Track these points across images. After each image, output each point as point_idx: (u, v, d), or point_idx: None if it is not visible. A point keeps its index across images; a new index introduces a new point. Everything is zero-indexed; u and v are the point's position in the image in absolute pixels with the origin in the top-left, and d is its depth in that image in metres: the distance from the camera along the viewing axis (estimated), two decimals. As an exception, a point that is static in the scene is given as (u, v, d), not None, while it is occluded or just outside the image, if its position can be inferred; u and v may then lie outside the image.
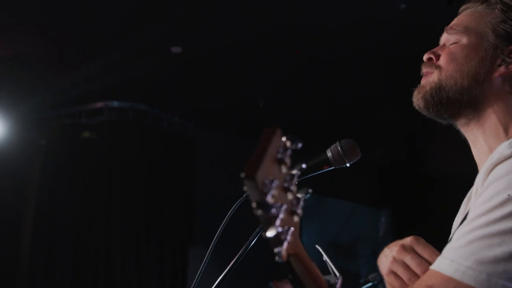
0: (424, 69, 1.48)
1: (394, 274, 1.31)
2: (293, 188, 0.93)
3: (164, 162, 6.20)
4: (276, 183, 0.85)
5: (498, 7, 1.41)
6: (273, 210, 0.83)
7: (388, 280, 1.32)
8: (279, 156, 0.88)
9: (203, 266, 1.66)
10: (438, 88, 1.41)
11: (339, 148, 1.64)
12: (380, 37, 5.33)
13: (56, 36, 5.37)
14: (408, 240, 1.32)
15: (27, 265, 5.75)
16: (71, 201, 5.78)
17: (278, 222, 0.86)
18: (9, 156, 5.76)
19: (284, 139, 0.92)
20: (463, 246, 1.06)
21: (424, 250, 1.28)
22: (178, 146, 6.38)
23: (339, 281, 1.08)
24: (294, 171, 0.94)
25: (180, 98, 6.35)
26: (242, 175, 0.81)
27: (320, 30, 5.20)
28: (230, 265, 1.61)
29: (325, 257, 1.30)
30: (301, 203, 0.96)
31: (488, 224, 1.05)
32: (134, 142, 6.10)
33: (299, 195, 0.98)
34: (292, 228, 0.92)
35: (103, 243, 5.71)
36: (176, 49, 5.37)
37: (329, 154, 1.65)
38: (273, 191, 0.84)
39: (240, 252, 1.60)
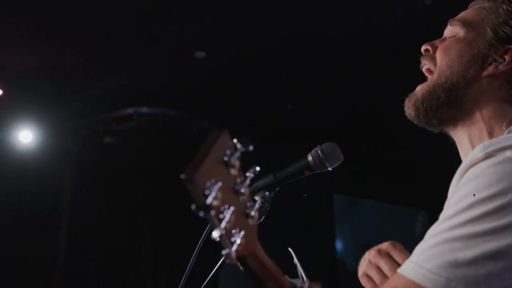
0: (422, 61, 1.45)
1: (367, 276, 1.32)
2: (245, 190, 0.92)
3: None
4: (219, 185, 0.84)
5: (503, 7, 1.37)
6: (213, 212, 0.83)
7: (361, 282, 1.34)
8: (226, 158, 0.88)
9: (189, 268, 1.65)
10: (430, 92, 1.37)
11: (319, 152, 1.58)
12: (407, 34, 5.25)
13: (83, 45, 5.49)
14: (385, 245, 1.33)
15: (63, 268, 5.91)
16: (103, 206, 5.91)
17: (223, 224, 0.86)
18: (43, 163, 5.93)
19: (234, 141, 0.91)
20: (427, 249, 1.04)
21: (399, 255, 1.29)
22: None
23: (306, 285, 1.08)
24: (248, 174, 0.94)
25: (210, 103, 6.41)
26: (182, 176, 0.82)
27: (344, 30, 5.15)
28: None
29: (295, 260, 1.29)
30: (257, 206, 0.96)
31: (453, 227, 1.02)
32: (164, 148, 6.19)
33: (256, 198, 0.98)
34: (243, 231, 0.91)
35: (135, 247, 5.81)
36: (200, 54, 5.41)
37: (309, 158, 1.59)
38: (216, 194, 0.84)
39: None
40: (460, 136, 1.39)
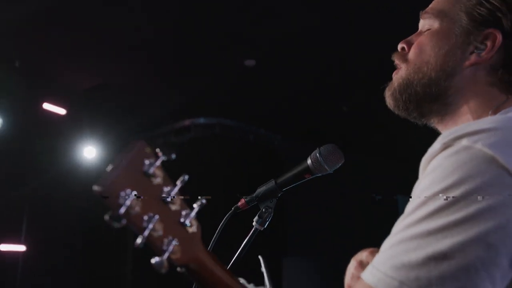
0: (395, 60, 1.36)
1: None
2: (176, 199, 0.94)
3: (253, 174, 6.30)
4: (135, 193, 0.86)
5: None
6: (124, 221, 0.85)
7: None
8: (145, 168, 0.90)
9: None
10: (406, 84, 1.29)
11: (317, 154, 1.54)
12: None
13: (141, 62, 5.69)
14: (364, 255, 1.28)
15: (130, 283, 6.12)
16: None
17: (146, 232, 0.88)
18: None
19: (155, 150, 0.93)
20: (385, 250, 0.98)
21: None
22: (266, 158, 6.46)
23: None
24: (178, 182, 0.96)
25: (265, 110, 6.45)
26: (94, 188, 0.84)
27: (399, 32, 5.02)
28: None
29: (263, 268, 1.29)
30: (193, 214, 0.97)
31: (409, 226, 0.95)
32: (222, 157, 6.28)
33: (195, 205, 0.99)
34: (177, 239, 0.92)
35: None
36: (250, 62, 5.47)
37: (309, 161, 1.56)
38: (132, 202, 0.85)
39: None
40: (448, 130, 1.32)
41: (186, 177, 0.96)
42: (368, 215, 7.05)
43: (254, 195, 1.66)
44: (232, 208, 1.67)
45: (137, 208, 0.87)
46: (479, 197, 0.93)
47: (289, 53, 5.37)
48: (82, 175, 6.01)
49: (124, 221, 0.85)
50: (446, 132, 1.03)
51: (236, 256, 1.62)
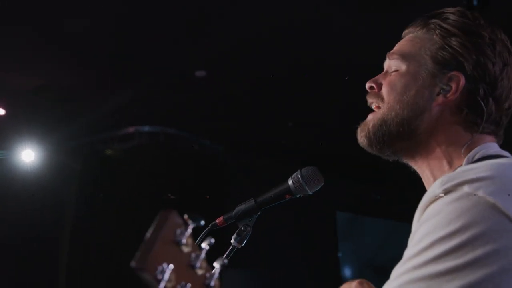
0: (369, 100, 1.43)
1: None
2: (202, 263, 0.94)
3: (196, 185, 6.29)
4: (172, 267, 0.86)
5: (437, 32, 1.35)
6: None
7: None
8: (177, 238, 0.90)
9: None
10: (380, 124, 1.37)
11: (299, 176, 1.59)
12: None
13: (85, 65, 5.54)
14: (353, 285, 1.32)
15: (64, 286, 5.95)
16: (105, 222, 5.95)
17: (180, 301, 0.87)
18: (45, 181, 5.97)
19: (184, 217, 0.93)
20: None
21: None
22: (210, 169, 6.45)
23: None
24: (203, 246, 0.96)
25: (211, 121, 6.43)
26: (132, 265, 0.83)
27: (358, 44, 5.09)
28: None
29: None
30: (216, 274, 0.98)
31: (415, 267, 1.02)
32: (165, 166, 6.21)
33: (216, 265, 1.00)
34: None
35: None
36: (200, 73, 5.44)
37: (290, 182, 1.60)
38: (169, 276, 0.85)
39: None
40: (420, 167, 1.38)
41: (212, 240, 0.97)
42: (306, 229, 7.17)
43: (233, 213, 1.68)
44: (209, 225, 1.67)
45: (173, 280, 0.87)
46: (484, 241, 1.00)
47: (238, 64, 5.38)
48: (19, 179, 5.79)
49: (168, 296, 0.84)
50: (445, 177, 1.10)
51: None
